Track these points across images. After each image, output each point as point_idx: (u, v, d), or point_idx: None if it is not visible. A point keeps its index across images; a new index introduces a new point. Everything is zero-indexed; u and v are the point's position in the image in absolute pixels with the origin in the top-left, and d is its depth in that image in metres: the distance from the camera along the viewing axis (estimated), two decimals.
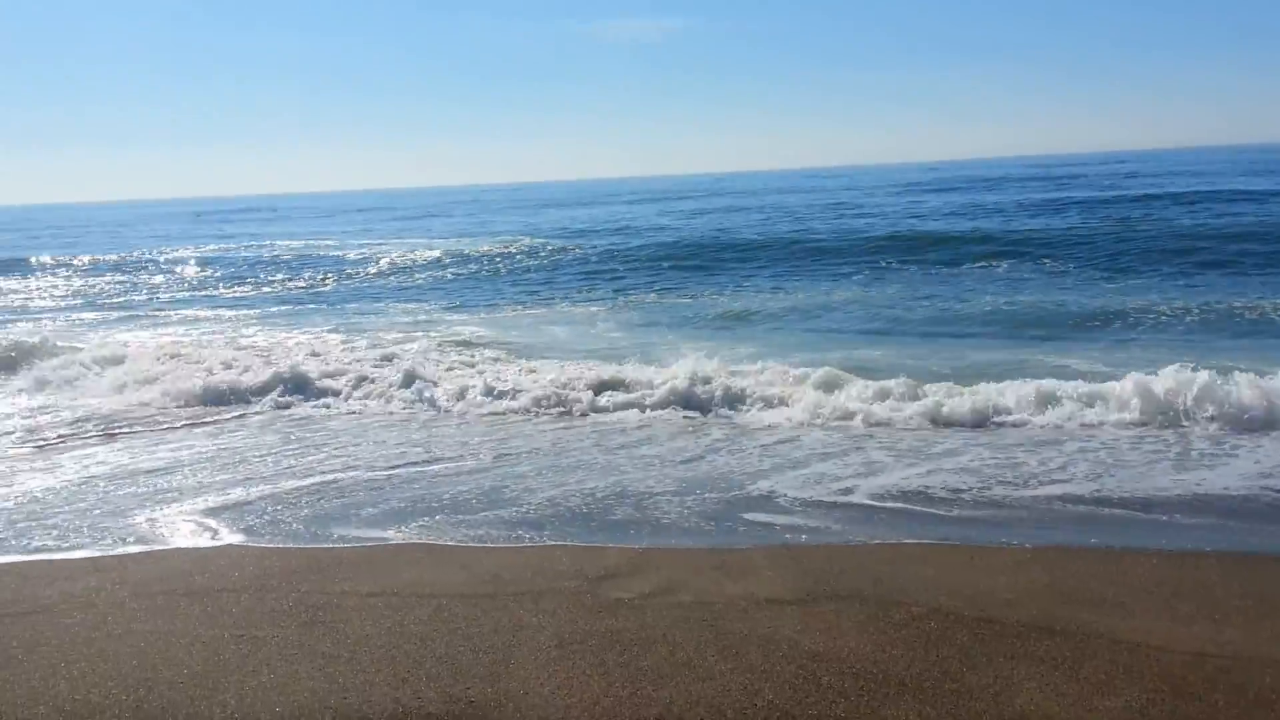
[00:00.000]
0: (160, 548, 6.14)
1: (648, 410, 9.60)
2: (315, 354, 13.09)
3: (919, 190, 48.95)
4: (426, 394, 10.49)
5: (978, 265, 20.56)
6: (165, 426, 9.76)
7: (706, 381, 9.97)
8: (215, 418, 10.11)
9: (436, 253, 29.65)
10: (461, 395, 10.40)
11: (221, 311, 20.51)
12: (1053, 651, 4.23)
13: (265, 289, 25.03)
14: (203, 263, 31.99)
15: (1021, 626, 4.51)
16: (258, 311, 20.26)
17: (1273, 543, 5.61)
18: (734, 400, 9.70)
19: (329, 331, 16.15)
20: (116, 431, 9.52)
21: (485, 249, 30.22)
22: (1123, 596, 4.82)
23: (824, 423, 8.91)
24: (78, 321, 19.84)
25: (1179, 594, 4.82)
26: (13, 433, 9.64)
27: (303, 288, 24.76)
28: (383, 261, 28.51)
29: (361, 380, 11.13)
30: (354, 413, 10.25)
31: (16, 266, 33.26)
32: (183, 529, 6.48)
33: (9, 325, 18.90)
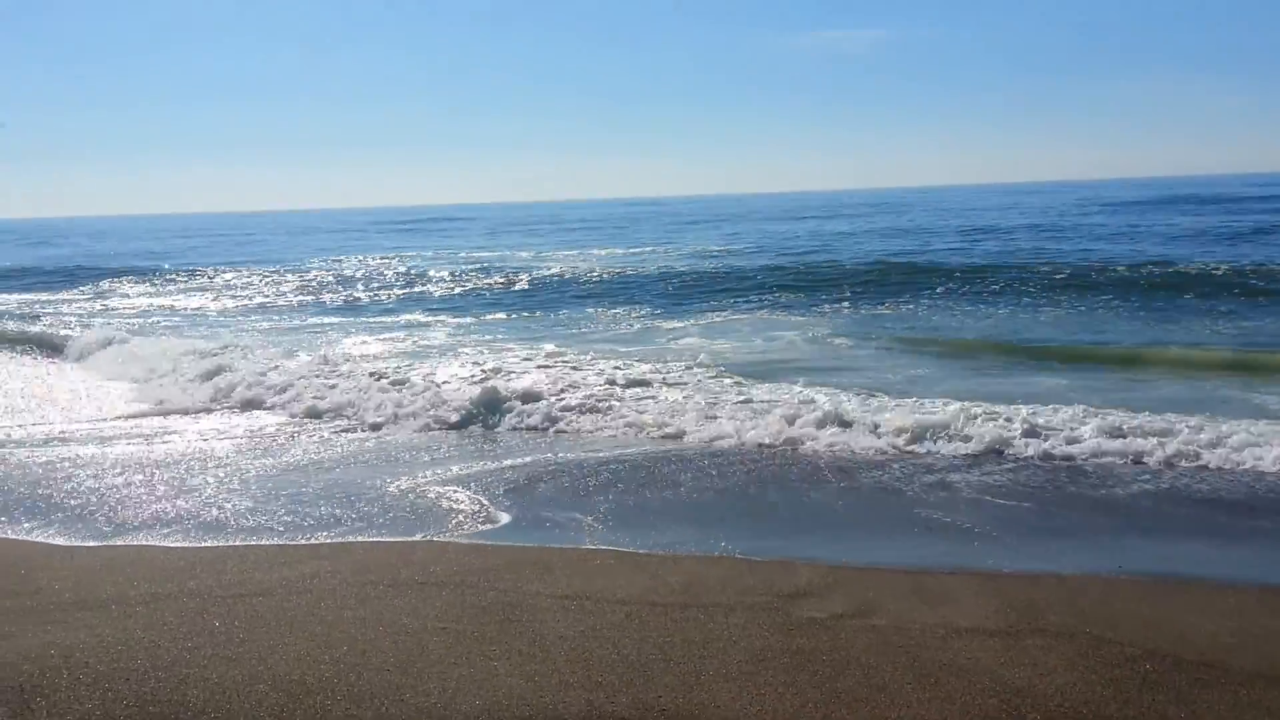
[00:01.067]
0: (369, 539, 6.45)
1: None
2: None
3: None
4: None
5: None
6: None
7: None
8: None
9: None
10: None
11: (445, 318, 21.19)
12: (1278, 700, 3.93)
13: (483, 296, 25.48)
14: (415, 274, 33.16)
15: (1246, 674, 4.20)
16: (490, 318, 20.92)
17: None
18: None
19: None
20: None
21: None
22: None
23: None
24: (327, 325, 20.83)
25: None
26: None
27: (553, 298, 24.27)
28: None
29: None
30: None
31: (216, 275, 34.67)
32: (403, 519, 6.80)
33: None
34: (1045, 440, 8.50)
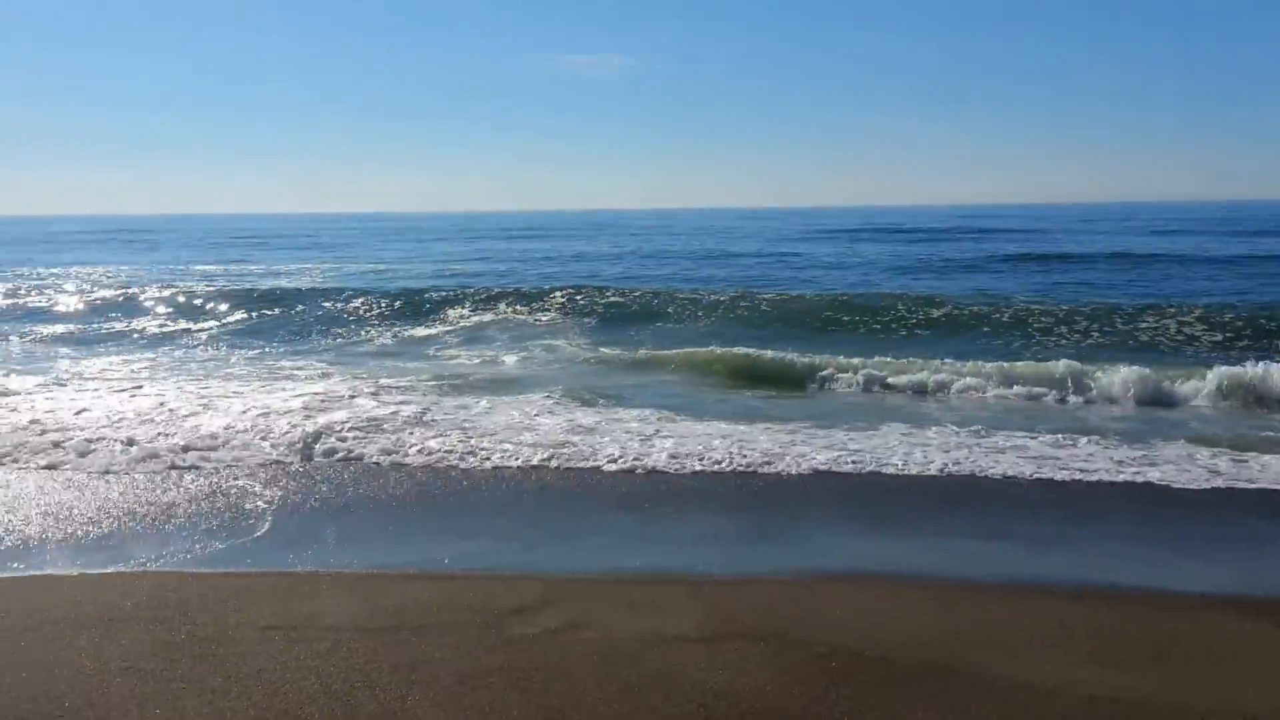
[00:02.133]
0: (49, 573, 5.94)
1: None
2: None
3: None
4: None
5: None
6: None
7: None
8: None
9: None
10: None
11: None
12: (948, 694, 4.27)
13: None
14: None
15: (922, 667, 4.55)
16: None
17: (1163, 581, 5.78)
18: None
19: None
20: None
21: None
22: (1020, 638, 4.89)
23: None
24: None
25: (1074, 636, 4.91)
26: None
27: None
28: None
29: None
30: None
31: None
32: (80, 553, 6.28)
33: None
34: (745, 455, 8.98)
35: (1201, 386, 11.99)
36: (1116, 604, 5.41)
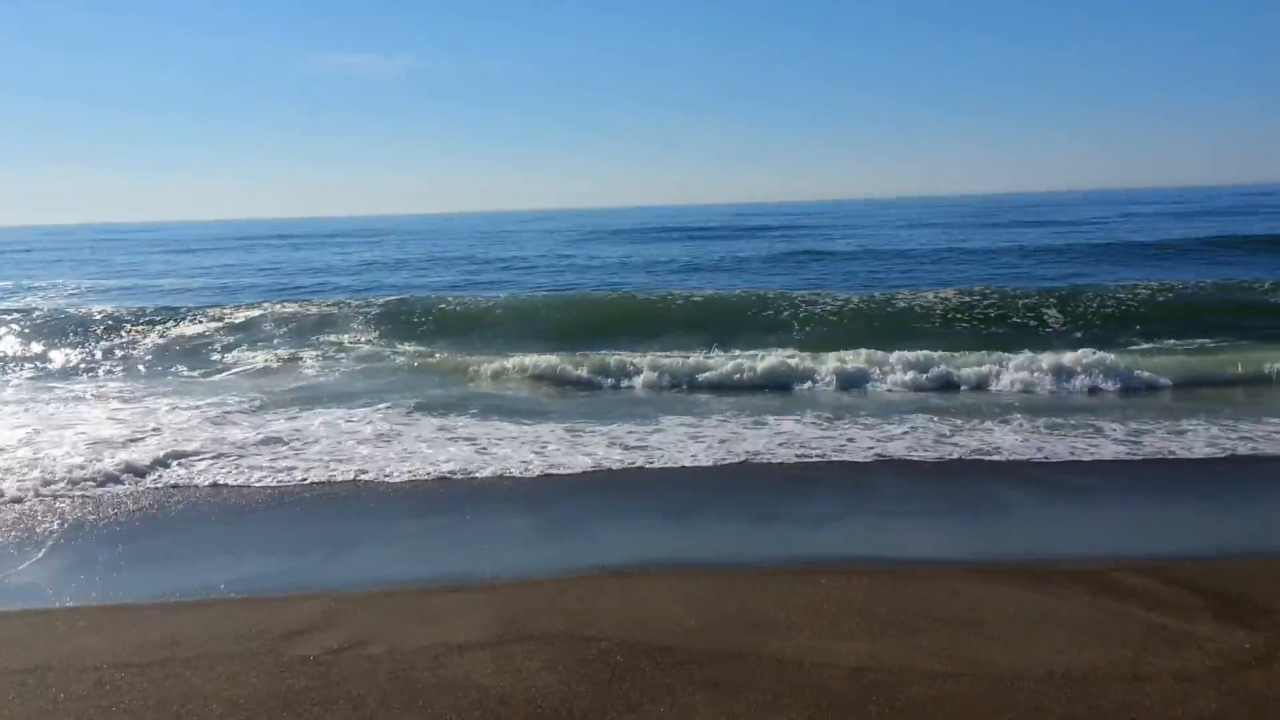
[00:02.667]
0: None
1: None
2: None
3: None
4: None
5: None
6: None
7: None
8: None
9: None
10: None
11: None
12: (728, 675, 4.45)
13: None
14: None
15: (701, 652, 4.71)
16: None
17: (922, 552, 6.19)
18: None
19: None
20: None
21: None
22: (794, 617, 5.13)
23: None
24: None
25: (843, 611, 5.19)
26: None
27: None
28: None
29: None
30: None
31: None
32: None
33: None
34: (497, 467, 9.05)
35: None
36: (880, 576, 5.75)
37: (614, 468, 8.70)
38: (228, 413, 11.38)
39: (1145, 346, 14.84)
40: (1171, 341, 15.14)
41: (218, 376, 14.96)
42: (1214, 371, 12.85)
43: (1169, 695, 4.14)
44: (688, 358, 14.03)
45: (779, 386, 12.81)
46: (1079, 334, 16.08)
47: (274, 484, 8.40)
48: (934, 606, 5.23)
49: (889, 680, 4.37)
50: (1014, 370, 12.56)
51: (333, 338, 17.76)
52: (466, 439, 9.79)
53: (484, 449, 9.36)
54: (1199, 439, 9.18)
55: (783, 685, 4.34)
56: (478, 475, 8.56)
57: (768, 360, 13.45)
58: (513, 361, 14.40)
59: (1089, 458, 8.73)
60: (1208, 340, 15.08)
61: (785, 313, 18.14)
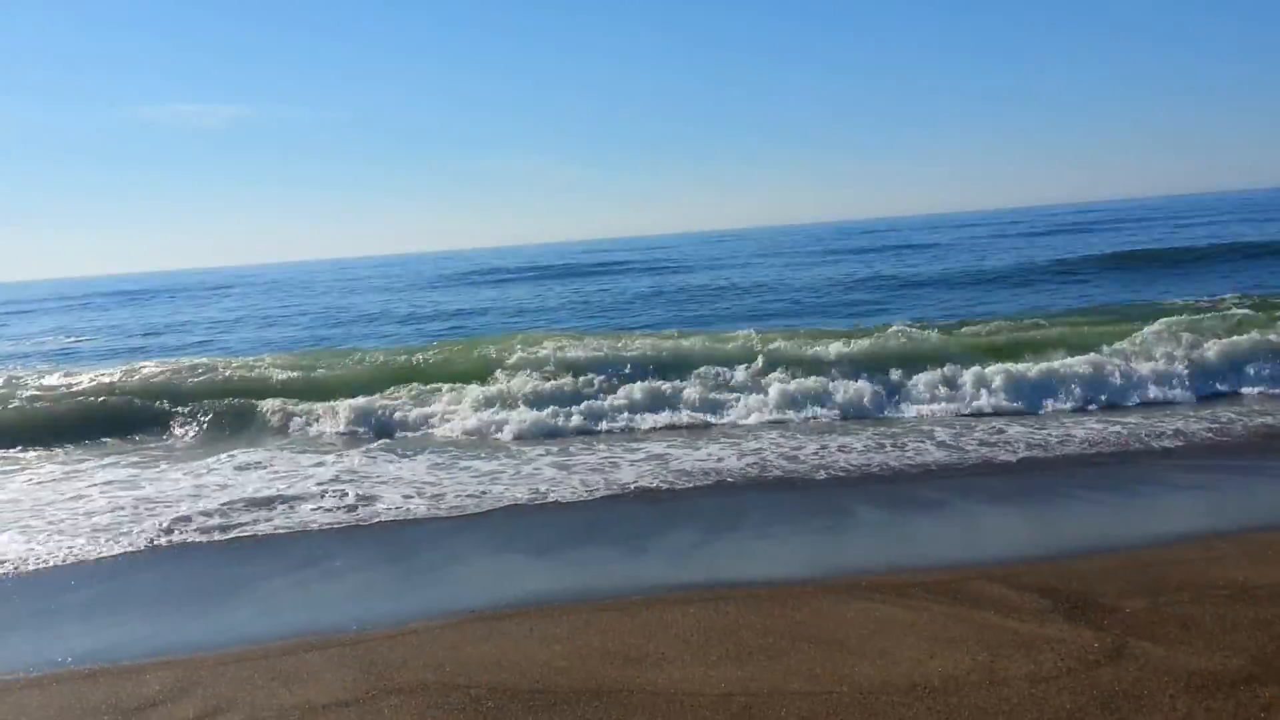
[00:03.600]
0: None
1: None
2: None
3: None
4: None
5: None
6: None
7: None
8: None
9: None
10: None
11: None
12: (599, 714, 4.44)
13: None
14: None
15: (573, 692, 4.69)
16: None
17: (785, 570, 6.30)
18: None
19: None
20: None
21: None
22: (664, 648, 5.15)
23: None
24: None
25: (710, 639, 5.23)
26: None
27: None
28: None
29: None
30: None
31: None
32: None
33: None
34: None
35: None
36: (747, 601, 5.83)
37: (494, 508, 8.60)
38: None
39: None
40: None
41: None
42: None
43: (1025, 698, 4.30)
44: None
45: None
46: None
47: (115, 550, 8.01)
48: (798, 627, 5.32)
49: (757, 704, 4.42)
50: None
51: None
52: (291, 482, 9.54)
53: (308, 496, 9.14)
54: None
55: (654, 718, 4.34)
56: (331, 524, 8.34)
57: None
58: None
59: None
60: None
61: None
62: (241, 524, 8.43)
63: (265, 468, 10.64)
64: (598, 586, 6.47)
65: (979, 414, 11.94)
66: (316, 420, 13.21)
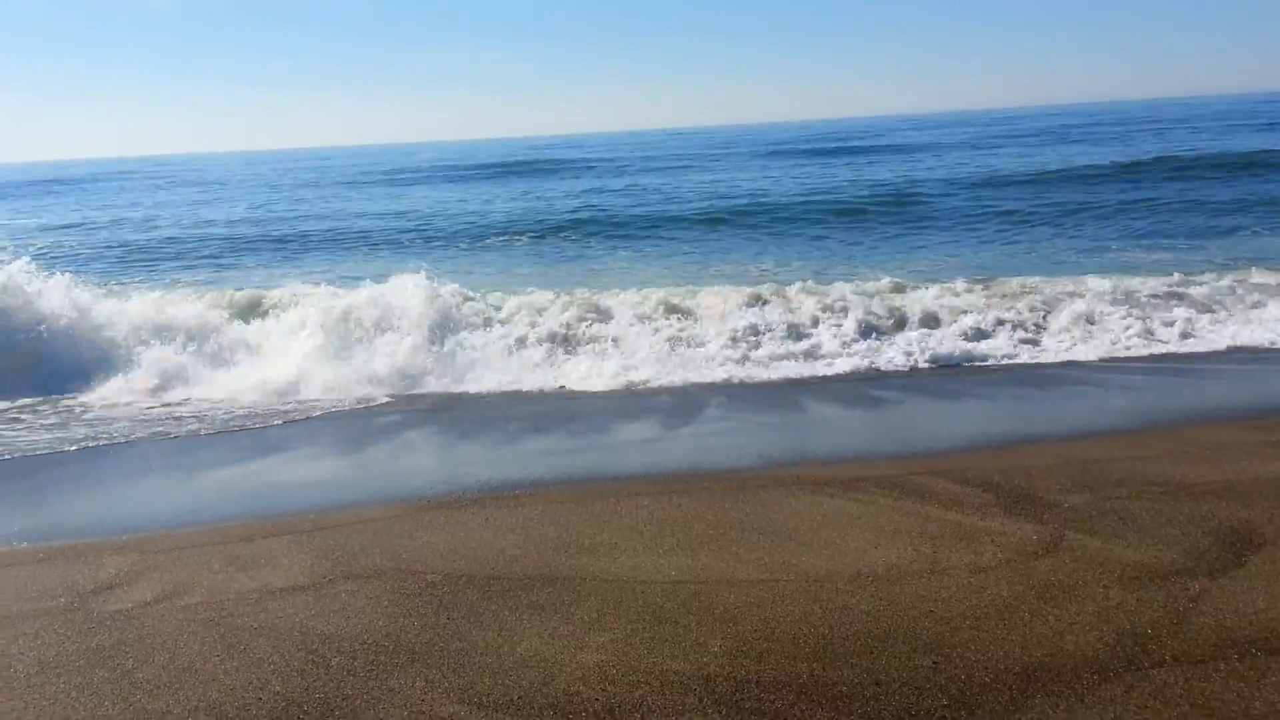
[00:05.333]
0: None
1: None
2: None
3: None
4: None
5: None
6: None
7: None
8: None
9: None
10: None
11: None
12: (552, 598, 4.54)
13: None
14: None
15: (526, 579, 4.78)
16: None
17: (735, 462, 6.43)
18: None
19: None
20: None
21: None
22: (616, 539, 5.25)
23: None
24: None
25: (663, 530, 5.34)
26: None
27: None
28: None
29: None
30: None
31: None
32: None
33: None
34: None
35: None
36: (699, 493, 5.94)
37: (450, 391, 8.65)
38: None
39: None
40: None
41: None
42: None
43: (965, 587, 4.45)
44: None
45: None
46: None
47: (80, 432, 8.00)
48: (749, 519, 5.44)
49: (707, 590, 4.54)
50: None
51: None
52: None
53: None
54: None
55: (606, 603, 4.45)
56: (289, 411, 8.36)
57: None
58: None
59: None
60: None
61: None
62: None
63: None
64: (551, 477, 6.56)
65: None
66: None
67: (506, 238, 21.91)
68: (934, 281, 12.89)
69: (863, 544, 4.99)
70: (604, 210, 25.67)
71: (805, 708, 3.55)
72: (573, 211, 25.96)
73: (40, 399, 9.47)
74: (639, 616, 4.31)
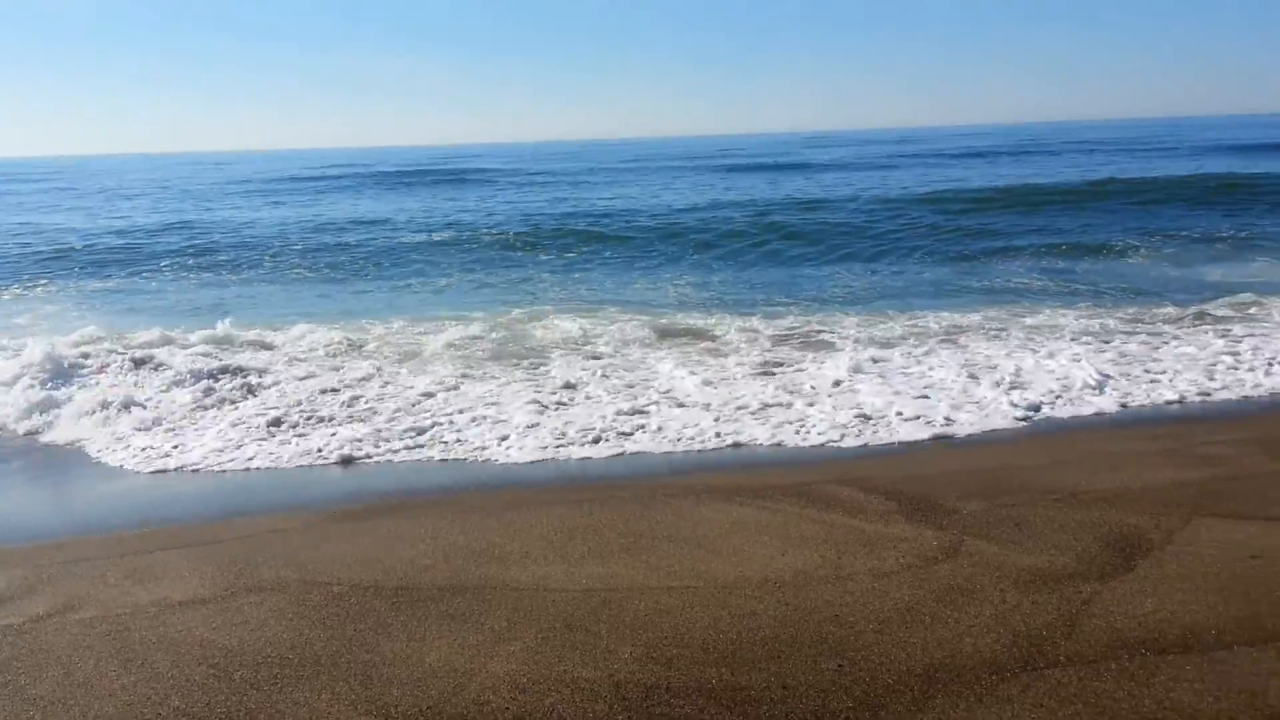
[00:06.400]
0: None
1: None
2: None
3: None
4: None
5: None
6: None
7: None
8: None
9: None
10: None
11: None
12: (463, 608, 4.52)
13: None
14: None
15: (436, 589, 4.75)
16: None
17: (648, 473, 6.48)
18: None
19: None
20: None
21: None
22: (528, 547, 5.25)
23: None
24: None
25: (574, 538, 5.35)
26: None
27: None
28: None
29: None
30: None
31: None
32: None
33: None
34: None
35: None
36: (610, 501, 5.97)
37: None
38: None
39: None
40: None
41: None
42: None
43: (868, 591, 4.55)
44: None
45: None
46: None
47: None
48: (659, 527, 5.49)
49: (617, 598, 4.57)
50: None
51: None
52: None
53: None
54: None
55: (517, 612, 4.45)
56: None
57: None
58: None
59: None
60: None
61: None
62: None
63: None
64: (463, 483, 6.53)
65: None
66: None
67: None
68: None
69: (770, 551, 5.07)
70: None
71: (715, 712, 3.60)
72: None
73: None
74: (550, 625, 4.32)
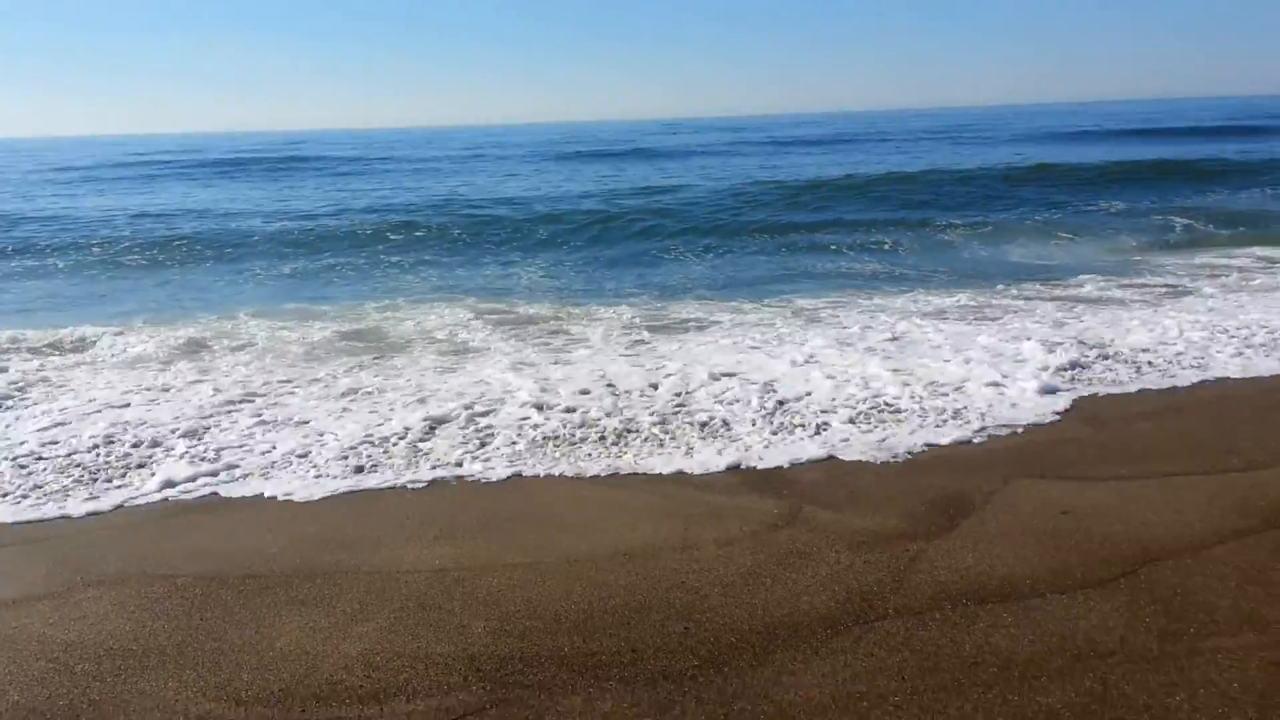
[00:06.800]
0: None
1: None
2: None
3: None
4: None
5: None
6: None
7: None
8: None
9: None
10: None
11: None
12: (313, 593, 4.50)
13: None
14: None
15: (284, 576, 4.71)
16: None
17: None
18: None
19: None
20: None
21: None
22: (379, 533, 5.25)
23: None
24: None
25: (427, 523, 5.38)
26: None
27: None
28: None
29: None
30: None
31: None
32: None
33: None
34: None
35: None
36: (464, 487, 6.00)
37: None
38: None
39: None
40: None
41: None
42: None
43: (713, 558, 4.74)
44: None
45: None
46: None
47: None
48: (516, 510, 5.56)
49: (471, 576, 4.63)
50: None
51: None
52: None
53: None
54: None
55: (369, 594, 4.47)
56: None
57: None
58: None
59: None
60: None
61: None
62: None
63: None
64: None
65: None
66: None
67: None
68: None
69: (621, 527, 5.21)
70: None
71: (567, 677, 3.71)
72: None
73: None
74: (402, 605, 4.35)
